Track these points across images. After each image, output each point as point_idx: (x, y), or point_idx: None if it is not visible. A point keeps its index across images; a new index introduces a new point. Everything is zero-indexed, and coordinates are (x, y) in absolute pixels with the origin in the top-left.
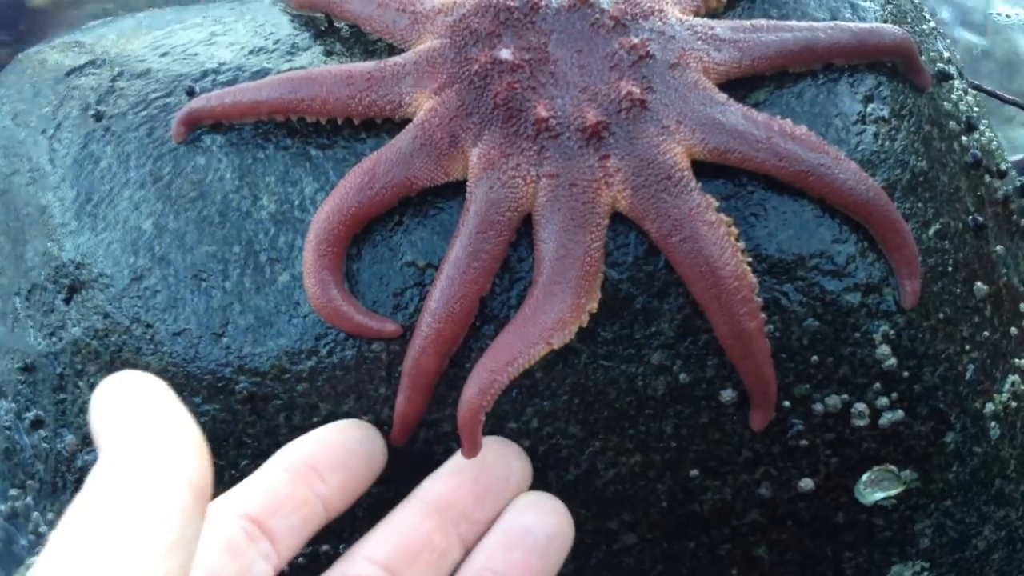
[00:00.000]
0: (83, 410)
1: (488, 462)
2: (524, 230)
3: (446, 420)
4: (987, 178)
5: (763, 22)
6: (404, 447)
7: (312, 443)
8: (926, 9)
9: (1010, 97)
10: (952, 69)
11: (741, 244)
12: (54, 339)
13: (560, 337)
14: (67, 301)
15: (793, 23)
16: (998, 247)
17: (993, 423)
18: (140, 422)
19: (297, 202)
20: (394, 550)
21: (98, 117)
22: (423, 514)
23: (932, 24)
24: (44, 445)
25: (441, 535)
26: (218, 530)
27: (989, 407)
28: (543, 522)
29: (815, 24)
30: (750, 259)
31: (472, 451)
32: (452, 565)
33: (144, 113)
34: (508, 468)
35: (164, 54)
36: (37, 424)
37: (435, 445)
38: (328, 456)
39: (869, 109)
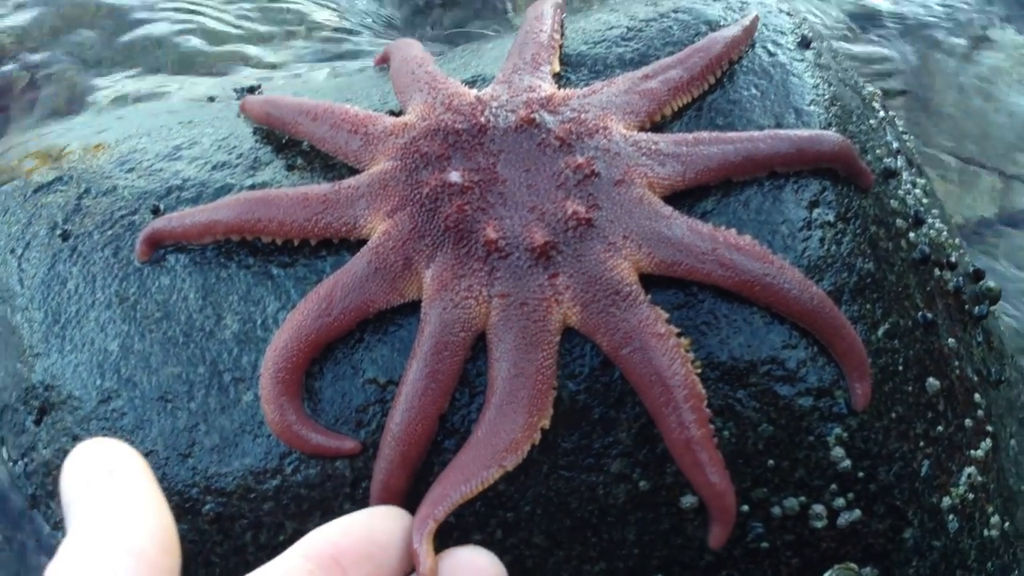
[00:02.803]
0: (57, 527)
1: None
2: (482, 345)
3: None
4: (937, 271)
5: (705, 135)
6: None
7: (338, 532)
8: (877, 100)
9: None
10: (900, 161)
11: (691, 355)
12: (25, 460)
13: (513, 459)
14: (37, 422)
15: (733, 135)
16: (950, 340)
17: (951, 516)
18: (93, 495)
19: (260, 321)
20: None
21: (65, 236)
22: None
23: (882, 115)
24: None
25: None
26: None
27: (946, 501)
28: None
29: (755, 135)
30: (702, 367)
31: (424, 565)
32: None
33: (110, 232)
34: None
35: (130, 170)
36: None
37: None
38: (354, 547)
39: (815, 214)
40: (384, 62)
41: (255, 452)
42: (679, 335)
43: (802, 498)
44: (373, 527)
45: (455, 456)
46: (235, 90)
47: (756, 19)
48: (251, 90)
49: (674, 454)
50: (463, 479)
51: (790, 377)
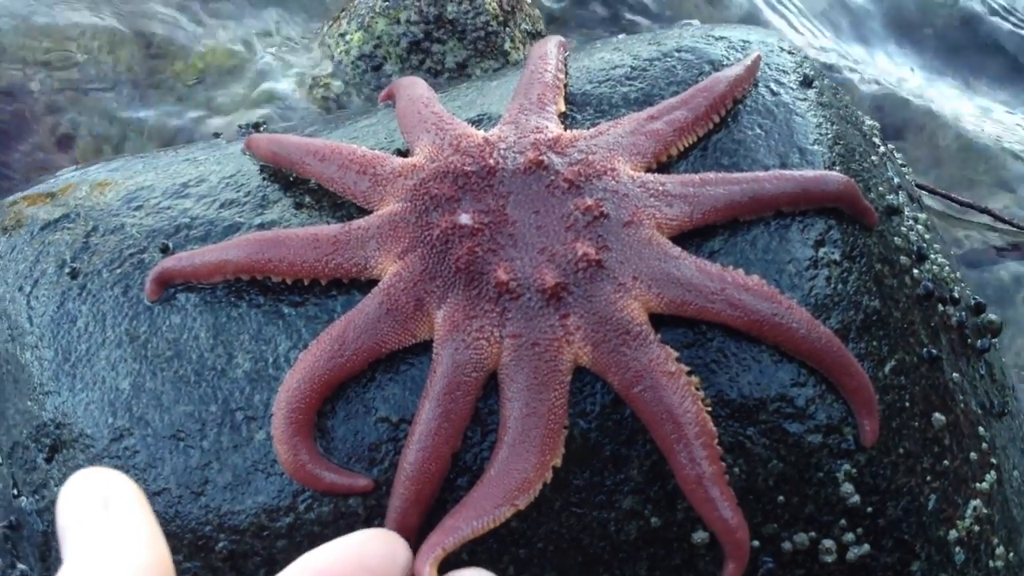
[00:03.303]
0: None
1: None
2: (494, 383)
3: None
4: (940, 307)
5: (711, 175)
6: None
7: (328, 556)
8: (876, 135)
9: (964, 199)
10: (902, 198)
11: (701, 393)
12: (37, 497)
13: (525, 498)
14: (48, 460)
15: (739, 175)
16: (954, 375)
17: (958, 548)
18: (88, 526)
19: (271, 359)
20: None
21: (74, 275)
22: None
23: (883, 150)
24: None
25: None
26: None
27: (953, 534)
28: None
29: (760, 175)
30: (712, 405)
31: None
32: None
33: (119, 270)
34: None
35: (137, 207)
36: None
37: None
38: (343, 572)
39: (820, 253)
40: (389, 99)
41: (268, 490)
42: (689, 373)
43: (812, 533)
44: (365, 552)
45: (468, 493)
46: (240, 127)
47: (758, 58)
48: (256, 127)
49: (686, 491)
50: (475, 515)
51: (799, 414)
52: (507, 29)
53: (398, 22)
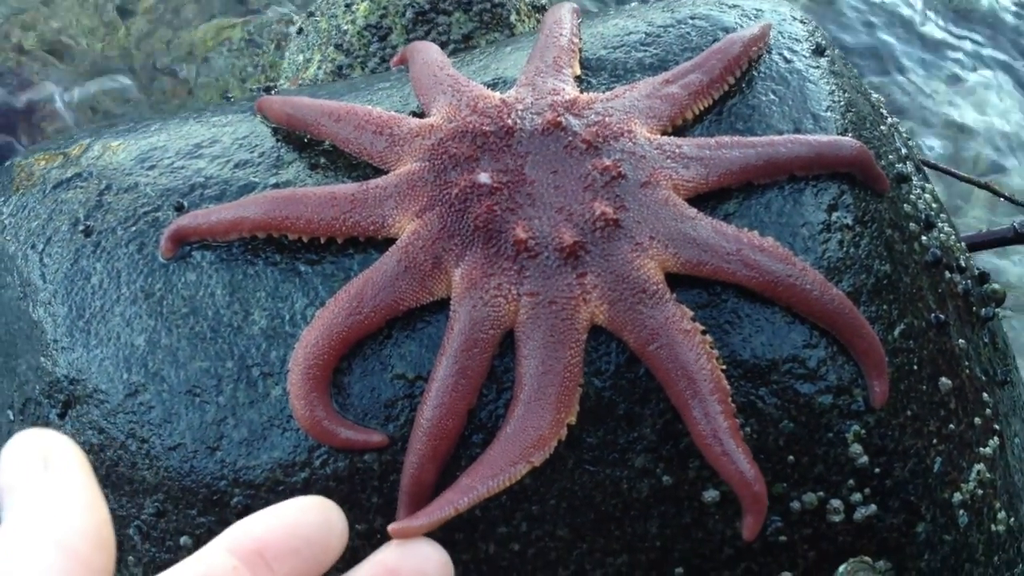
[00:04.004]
0: None
1: (405, 572)
2: (509, 341)
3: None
4: (947, 274)
5: (727, 139)
6: None
7: (263, 525)
8: (883, 107)
9: (964, 175)
10: (910, 166)
11: (716, 352)
12: None
13: (540, 455)
14: (61, 416)
15: (754, 139)
16: (960, 341)
17: (961, 511)
18: (27, 487)
19: (288, 317)
20: None
21: (87, 232)
22: None
23: (891, 121)
24: None
25: None
26: None
27: (957, 496)
28: None
29: (775, 139)
30: (725, 365)
31: (418, 520)
32: None
33: (134, 228)
34: None
35: (151, 167)
36: None
37: None
38: (278, 542)
39: (834, 217)
40: (402, 63)
41: (284, 445)
42: (703, 333)
43: (820, 493)
44: (300, 520)
45: (483, 451)
46: (251, 89)
47: (770, 23)
48: (267, 91)
49: (701, 447)
50: (491, 474)
51: (810, 375)
52: (513, 1)
53: None
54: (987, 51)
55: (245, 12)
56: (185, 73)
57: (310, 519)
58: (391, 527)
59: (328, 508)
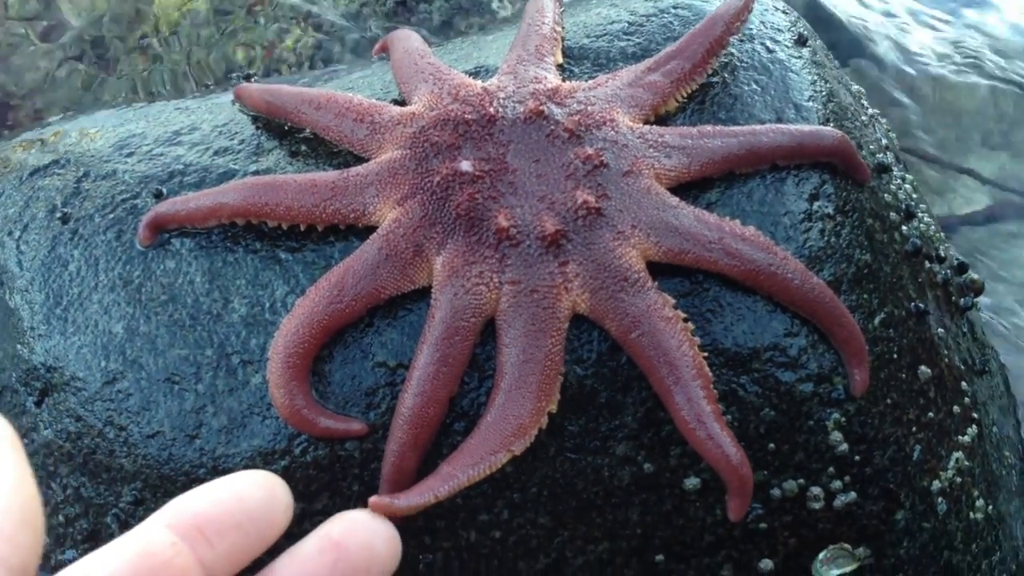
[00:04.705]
0: (55, 511)
1: (351, 547)
2: (491, 330)
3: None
4: (927, 264)
5: (709, 128)
6: None
7: (203, 500)
8: (864, 97)
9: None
10: (890, 156)
11: (697, 339)
12: (25, 440)
13: (521, 444)
14: (38, 403)
15: (736, 128)
16: (939, 330)
17: (940, 499)
18: None
19: (268, 304)
20: None
21: (65, 219)
22: None
23: (871, 112)
24: None
25: None
26: None
27: (936, 484)
28: None
29: (757, 128)
30: (707, 353)
31: (399, 500)
32: None
33: (111, 215)
34: (371, 554)
35: (129, 154)
36: None
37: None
38: (219, 517)
39: (815, 207)
40: (383, 51)
41: (264, 433)
42: (685, 320)
43: (801, 480)
44: (243, 495)
45: (464, 440)
46: (230, 76)
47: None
48: (247, 78)
49: (684, 432)
50: (472, 462)
51: (791, 364)
52: None
53: None
54: (971, 39)
55: None
56: (152, 46)
57: (253, 494)
58: (372, 499)
59: (272, 482)
